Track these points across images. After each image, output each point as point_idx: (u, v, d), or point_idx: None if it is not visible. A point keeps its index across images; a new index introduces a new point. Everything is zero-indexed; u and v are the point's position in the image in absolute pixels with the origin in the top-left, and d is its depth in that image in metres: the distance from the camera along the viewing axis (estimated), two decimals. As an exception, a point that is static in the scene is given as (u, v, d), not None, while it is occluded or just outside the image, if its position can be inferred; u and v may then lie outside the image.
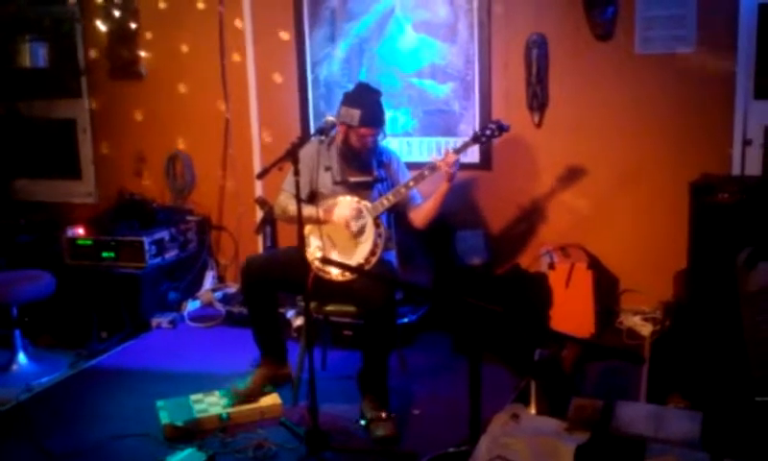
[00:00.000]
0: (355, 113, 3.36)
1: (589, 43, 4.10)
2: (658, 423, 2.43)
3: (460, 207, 4.41)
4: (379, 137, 3.52)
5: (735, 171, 3.94)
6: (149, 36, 5.02)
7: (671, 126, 4.04)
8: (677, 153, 4.04)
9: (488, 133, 3.53)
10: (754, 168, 3.94)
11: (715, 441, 2.29)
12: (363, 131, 3.40)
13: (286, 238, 4.43)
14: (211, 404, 3.34)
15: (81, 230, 4.68)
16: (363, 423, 3.18)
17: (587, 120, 4.19)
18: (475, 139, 3.54)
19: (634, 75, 4.05)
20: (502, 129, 3.53)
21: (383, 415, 3.14)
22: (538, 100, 4.23)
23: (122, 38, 5.08)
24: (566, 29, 4.13)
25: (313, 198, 3.52)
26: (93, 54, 5.21)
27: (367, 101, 3.43)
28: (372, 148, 3.49)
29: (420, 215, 3.58)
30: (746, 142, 3.94)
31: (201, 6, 4.85)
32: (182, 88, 5.01)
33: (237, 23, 4.78)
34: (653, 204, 4.13)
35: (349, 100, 3.44)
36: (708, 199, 3.52)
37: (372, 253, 3.39)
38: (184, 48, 4.95)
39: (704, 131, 3.98)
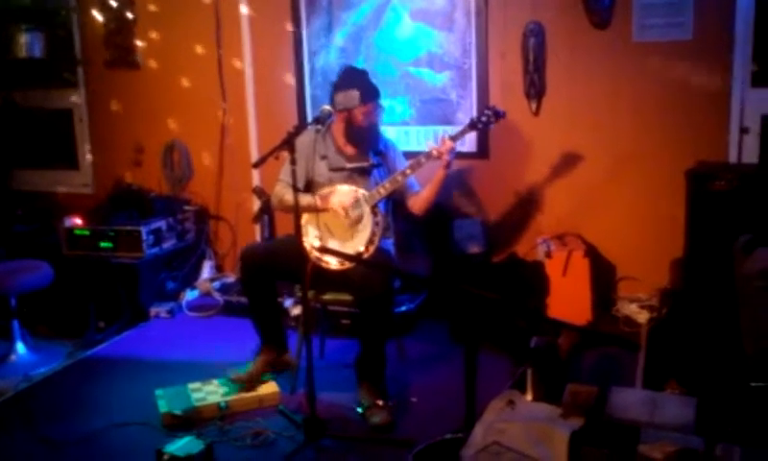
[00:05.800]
0: (354, 94, 3.40)
1: (587, 31, 4.09)
2: (652, 408, 2.44)
3: (457, 196, 4.41)
4: (380, 111, 3.56)
5: (732, 159, 3.94)
6: (145, 25, 5.00)
7: (668, 113, 4.04)
8: (674, 140, 4.04)
9: (484, 119, 3.52)
10: (750, 156, 3.94)
11: (710, 426, 2.30)
12: (366, 107, 3.43)
13: (284, 228, 4.42)
14: (209, 393, 3.35)
15: (78, 220, 4.68)
16: (359, 410, 3.20)
17: (584, 108, 4.19)
18: (472, 126, 3.53)
19: (631, 63, 4.05)
20: (498, 115, 3.52)
21: (380, 403, 3.16)
22: (535, 88, 4.22)
23: (118, 28, 5.07)
24: (564, 17, 4.12)
25: (310, 187, 3.52)
26: (90, 44, 5.20)
27: (360, 79, 3.48)
28: (377, 122, 3.53)
29: (418, 202, 3.58)
30: (743, 130, 3.93)
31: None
32: (179, 78, 4.99)
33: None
34: (650, 191, 4.13)
35: (343, 84, 3.47)
36: (704, 187, 3.53)
37: (371, 241, 3.39)
38: (181, 38, 4.93)
39: (701, 118, 3.98)
